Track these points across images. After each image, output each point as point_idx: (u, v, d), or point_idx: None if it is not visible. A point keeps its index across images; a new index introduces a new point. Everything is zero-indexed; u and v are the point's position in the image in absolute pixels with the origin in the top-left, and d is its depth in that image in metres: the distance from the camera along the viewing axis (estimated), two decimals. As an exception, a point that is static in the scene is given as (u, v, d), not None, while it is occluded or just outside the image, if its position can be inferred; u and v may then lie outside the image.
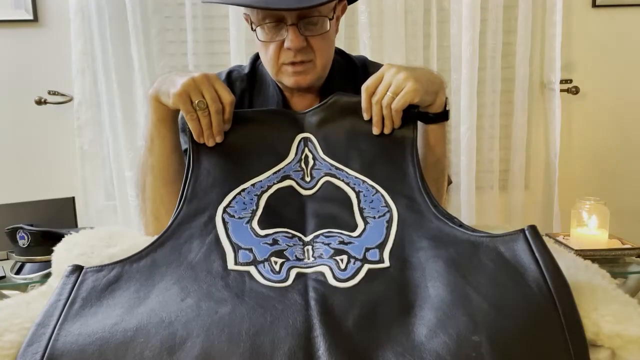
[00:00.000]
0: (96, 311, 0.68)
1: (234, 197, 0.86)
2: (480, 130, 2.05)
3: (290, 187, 0.90)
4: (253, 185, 0.89)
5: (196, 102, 0.91)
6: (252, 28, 1.09)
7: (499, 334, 0.61)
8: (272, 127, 0.98)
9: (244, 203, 0.86)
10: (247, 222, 0.82)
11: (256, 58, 1.23)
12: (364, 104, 0.95)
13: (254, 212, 0.84)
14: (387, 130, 0.95)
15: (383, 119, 0.95)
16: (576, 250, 1.19)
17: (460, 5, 1.96)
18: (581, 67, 2.10)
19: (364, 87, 0.95)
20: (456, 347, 0.60)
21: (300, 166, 0.93)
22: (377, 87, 0.94)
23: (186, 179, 0.90)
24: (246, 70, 1.22)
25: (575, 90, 2.06)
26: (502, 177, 2.11)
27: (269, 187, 0.89)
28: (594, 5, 2.07)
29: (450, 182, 1.26)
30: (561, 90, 2.04)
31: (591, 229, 1.30)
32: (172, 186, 1.00)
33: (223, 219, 0.82)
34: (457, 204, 2.04)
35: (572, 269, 0.78)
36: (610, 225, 1.31)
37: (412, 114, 0.95)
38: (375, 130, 0.95)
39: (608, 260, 1.24)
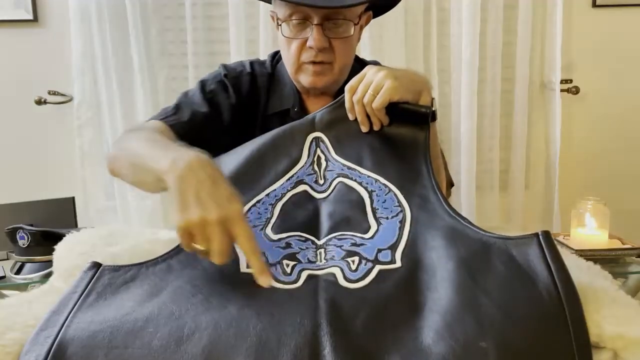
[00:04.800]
0: (110, 303, 0.70)
1: (250, 209, 0.87)
2: (480, 130, 2.05)
3: (304, 191, 0.90)
4: (267, 195, 0.89)
5: (198, 248, 0.72)
6: (277, 24, 1.10)
7: (506, 342, 0.61)
8: (284, 130, 0.98)
9: (259, 213, 0.86)
10: (261, 230, 0.83)
11: (273, 56, 1.24)
12: (347, 104, 0.95)
13: (268, 220, 0.84)
14: (375, 128, 0.95)
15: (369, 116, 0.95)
16: (576, 250, 1.19)
17: (460, 5, 1.96)
18: (581, 67, 2.10)
19: (346, 87, 0.95)
20: (463, 352, 0.60)
21: (313, 169, 0.93)
22: (358, 86, 0.94)
23: None
24: (269, 69, 1.22)
25: (575, 90, 2.07)
26: (502, 177, 2.11)
27: (283, 195, 0.89)
28: (594, 5, 2.07)
29: (452, 185, 1.26)
30: (561, 90, 2.04)
31: (591, 229, 1.30)
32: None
33: None
34: (457, 204, 2.03)
35: (574, 270, 0.78)
36: (610, 225, 1.31)
37: (400, 110, 0.94)
38: (363, 129, 0.95)
39: (608, 260, 1.24)
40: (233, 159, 0.95)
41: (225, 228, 0.70)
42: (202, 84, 1.18)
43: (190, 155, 0.78)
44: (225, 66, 1.21)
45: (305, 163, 0.93)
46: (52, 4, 1.95)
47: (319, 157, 0.94)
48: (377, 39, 1.95)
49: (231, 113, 1.15)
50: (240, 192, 0.88)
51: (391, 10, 1.90)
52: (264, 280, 0.71)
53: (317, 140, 0.96)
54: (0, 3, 1.92)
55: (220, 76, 1.19)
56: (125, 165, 0.99)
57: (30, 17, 1.93)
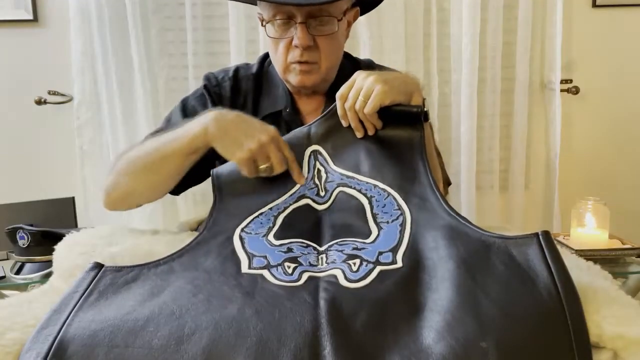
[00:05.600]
0: (111, 303, 0.70)
1: (252, 220, 0.88)
2: (480, 130, 2.04)
3: (306, 204, 0.91)
4: (270, 208, 0.90)
5: (263, 167, 0.91)
6: (262, 24, 1.11)
7: (507, 342, 0.61)
8: None
9: (261, 223, 0.87)
10: (263, 236, 0.83)
11: (264, 58, 1.24)
12: (339, 112, 0.96)
13: (270, 229, 0.85)
14: (370, 132, 0.95)
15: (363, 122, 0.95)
16: (576, 250, 1.19)
17: (460, 5, 1.95)
18: (581, 67, 2.10)
19: (337, 95, 0.96)
20: (463, 352, 0.60)
21: (314, 183, 0.94)
22: (349, 93, 0.94)
23: (212, 207, 0.92)
24: (254, 70, 1.22)
25: (575, 90, 2.06)
26: (502, 177, 2.11)
27: (285, 208, 0.90)
28: (594, 5, 2.07)
29: (449, 183, 1.27)
30: (561, 90, 2.04)
31: (591, 229, 1.30)
32: (158, 190, 1.05)
33: (240, 237, 0.84)
34: (457, 204, 2.03)
35: (575, 270, 0.78)
36: (610, 225, 1.31)
37: (393, 112, 0.94)
38: (358, 135, 0.96)
39: (608, 260, 1.24)
40: (233, 173, 0.96)
41: (275, 145, 0.91)
42: (183, 103, 1.21)
43: (206, 114, 0.96)
44: (207, 77, 1.22)
45: (307, 179, 0.94)
46: (52, 4, 1.94)
47: (318, 170, 0.95)
48: (377, 39, 1.95)
49: None
50: (243, 208, 0.89)
51: (391, 10, 1.91)
52: (301, 181, 0.93)
53: (315, 153, 0.97)
54: (0, 3, 1.92)
55: (201, 90, 1.20)
56: (136, 178, 1.02)
57: (30, 17, 1.93)
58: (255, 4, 1.16)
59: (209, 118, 0.95)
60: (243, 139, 0.90)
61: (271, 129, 0.93)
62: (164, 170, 1.00)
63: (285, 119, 1.16)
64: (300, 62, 1.08)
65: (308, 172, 0.95)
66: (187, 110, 1.18)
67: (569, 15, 2.05)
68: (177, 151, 0.97)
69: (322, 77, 1.12)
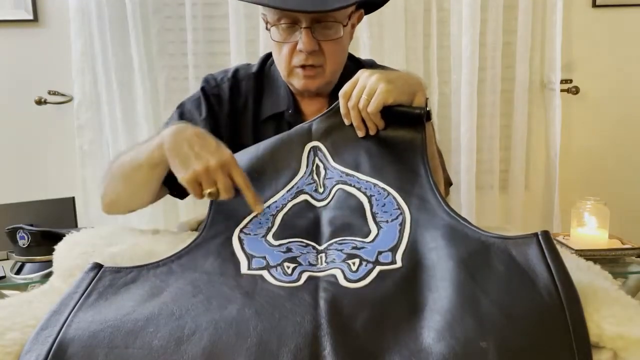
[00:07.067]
0: (111, 303, 0.70)
1: (251, 220, 0.88)
2: (480, 130, 2.05)
3: (305, 201, 0.90)
4: (268, 206, 0.90)
5: (207, 192, 0.87)
6: (266, 27, 1.10)
7: (507, 342, 0.61)
8: (282, 140, 0.99)
9: (259, 223, 0.87)
10: (262, 237, 0.83)
11: (265, 59, 1.23)
12: (342, 110, 0.96)
13: (269, 229, 0.85)
14: (371, 132, 0.95)
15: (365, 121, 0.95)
16: (576, 250, 1.19)
17: (460, 5, 1.96)
18: (581, 67, 2.10)
19: (340, 93, 0.96)
20: (463, 352, 0.60)
21: (312, 178, 0.94)
22: (352, 92, 0.94)
23: (209, 208, 0.91)
24: (254, 70, 1.22)
25: (575, 90, 2.06)
26: (502, 177, 2.11)
27: (284, 206, 0.90)
28: (594, 5, 2.07)
29: (450, 184, 1.26)
30: (561, 90, 2.04)
31: (591, 229, 1.30)
32: (136, 197, 1.05)
33: (239, 237, 0.84)
34: (457, 204, 2.03)
35: (575, 270, 0.78)
36: (610, 225, 1.31)
37: (395, 112, 0.94)
38: (360, 134, 0.96)
39: (608, 260, 1.24)
40: None
41: (224, 170, 0.86)
42: (180, 108, 1.20)
43: (171, 126, 0.94)
44: (206, 79, 1.22)
45: (305, 173, 0.94)
46: (52, 4, 1.95)
47: (317, 166, 0.95)
48: (377, 39, 1.95)
49: (208, 127, 1.13)
50: (242, 205, 0.89)
51: (391, 10, 1.90)
52: (259, 208, 0.87)
53: (315, 149, 0.97)
54: (0, 3, 1.92)
55: (198, 93, 1.19)
56: (118, 186, 1.02)
57: (30, 17, 1.93)
58: (256, 4, 1.16)
59: (167, 132, 0.92)
60: (192, 159, 0.87)
61: (226, 152, 0.88)
62: (136, 181, 1.00)
63: (287, 120, 1.16)
64: (304, 67, 1.08)
65: (307, 168, 0.95)
66: (184, 115, 1.18)
67: (569, 15, 2.05)
68: (144, 163, 0.96)
69: (326, 80, 1.12)
